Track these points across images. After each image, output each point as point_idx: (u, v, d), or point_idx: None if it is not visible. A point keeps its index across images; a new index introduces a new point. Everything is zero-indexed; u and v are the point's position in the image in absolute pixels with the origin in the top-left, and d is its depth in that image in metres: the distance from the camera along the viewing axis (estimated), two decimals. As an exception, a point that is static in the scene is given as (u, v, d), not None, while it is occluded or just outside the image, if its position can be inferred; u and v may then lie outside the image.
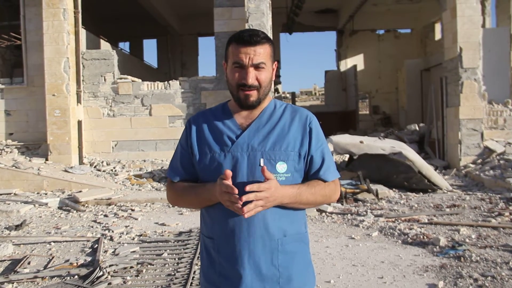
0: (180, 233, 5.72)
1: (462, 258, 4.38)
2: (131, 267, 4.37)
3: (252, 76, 1.57)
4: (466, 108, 10.51)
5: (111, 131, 11.01)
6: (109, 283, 3.92)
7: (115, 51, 11.84)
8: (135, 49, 20.57)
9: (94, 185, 8.80)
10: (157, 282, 3.98)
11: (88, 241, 5.48)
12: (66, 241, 5.48)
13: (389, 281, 3.94)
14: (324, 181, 1.63)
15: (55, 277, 4.15)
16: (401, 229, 5.56)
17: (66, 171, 9.77)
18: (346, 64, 21.92)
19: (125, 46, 20.95)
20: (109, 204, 7.85)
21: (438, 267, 4.21)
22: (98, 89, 11.06)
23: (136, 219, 6.69)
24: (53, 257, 4.83)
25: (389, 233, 5.47)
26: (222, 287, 1.60)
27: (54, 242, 5.44)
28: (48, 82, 10.52)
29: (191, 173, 1.68)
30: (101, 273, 4.06)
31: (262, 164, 1.55)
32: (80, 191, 8.40)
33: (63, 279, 4.09)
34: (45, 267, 4.50)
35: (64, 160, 10.42)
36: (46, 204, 7.67)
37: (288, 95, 28.90)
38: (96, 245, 5.20)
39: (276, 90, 19.96)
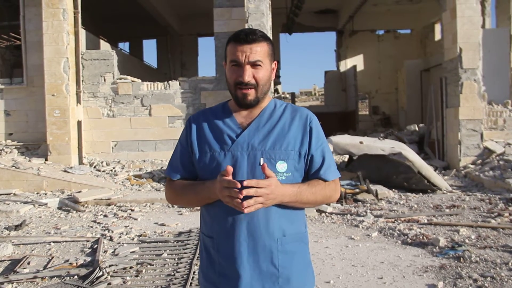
0: (180, 233, 5.72)
1: (461, 258, 4.38)
2: (131, 267, 4.37)
3: (248, 74, 1.57)
4: (466, 108, 10.51)
5: (111, 131, 11.01)
6: (109, 283, 3.92)
7: (114, 51, 11.84)
8: (135, 49, 20.57)
9: (94, 185, 8.79)
10: (156, 282, 3.98)
11: (87, 241, 5.47)
12: (66, 241, 5.47)
13: (389, 281, 3.94)
14: (325, 181, 1.63)
15: (55, 277, 4.14)
16: (400, 229, 5.56)
17: (65, 171, 9.77)
18: (346, 64, 21.93)
19: (125, 46, 20.97)
20: (109, 204, 7.85)
21: (438, 267, 4.22)
22: (98, 89, 11.06)
23: (135, 219, 6.69)
24: (52, 257, 4.83)
25: (388, 234, 5.47)
26: (221, 287, 1.59)
27: (53, 242, 5.43)
28: (48, 82, 10.52)
29: (191, 172, 1.68)
30: (100, 273, 4.06)
31: (262, 163, 1.55)
32: (80, 191, 8.40)
33: (63, 279, 4.09)
34: (44, 267, 4.50)
35: (63, 160, 10.42)
36: (46, 204, 7.67)
37: (287, 96, 28.89)
38: (96, 245, 5.20)
39: (276, 91, 19.96)
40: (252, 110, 1.66)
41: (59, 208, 7.68)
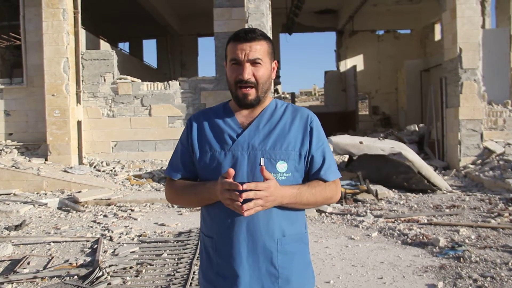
0: (180, 234, 5.72)
1: (461, 258, 4.38)
2: (131, 267, 4.37)
3: (248, 72, 1.57)
4: (466, 108, 10.51)
5: (111, 131, 11.01)
6: (109, 284, 3.92)
7: (114, 51, 11.85)
8: (134, 49, 20.57)
9: (94, 186, 8.79)
10: (156, 283, 3.98)
11: (87, 241, 5.47)
12: (66, 242, 5.47)
13: (389, 281, 3.94)
14: (325, 181, 1.62)
15: (55, 277, 4.14)
16: (400, 229, 5.56)
17: (65, 171, 9.77)
18: (346, 64, 21.93)
19: (124, 46, 20.97)
20: (109, 205, 7.84)
21: (438, 267, 4.22)
22: (98, 89, 11.06)
23: (135, 219, 6.69)
24: (52, 258, 4.83)
25: (388, 234, 5.47)
26: (220, 286, 1.59)
27: (53, 242, 5.43)
28: (48, 82, 10.52)
29: (191, 171, 1.68)
30: (100, 273, 4.06)
31: (262, 163, 1.55)
32: (80, 192, 8.40)
33: (63, 279, 4.09)
34: (44, 268, 4.49)
35: (63, 160, 10.41)
36: (46, 204, 7.67)
37: (287, 96, 28.90)
38: (96, 246, 5.20)
39: (276, 91, 19.96)
40: (253, 110, 1.66)
41: (59, 208, 7.68)
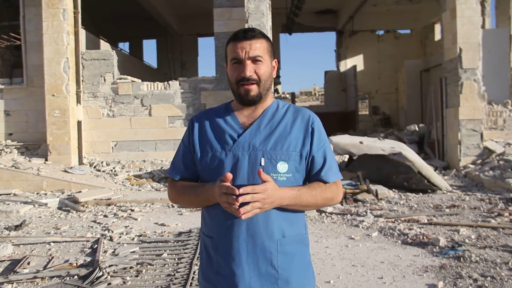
0: (180, 234, 5.72)
1: (461, 258, 4.38)
2: (131, 268, 4.37)
3: (249, 69, 1.58)
4: (466, 108, 10.51)
5: (111, 131, 11.01)
6: (109, 284, 3.92)
7: (114, 51, 11.85)
8: (134, 49, 20.57)
9: (94, 186, 8.79)
10: (156, 283, 3.98)
11: (87, 241, 5.47)
12: (66, 242, 5.47)
13: (389, 281, 3.94)
14: (325, 182, 1.62)
15: (55, 278, 4.14)
16: (400, 229, 5.56)
17: (65, 171, 9.77)
18: (346, 64, 21.93)
19: (124, 46, 20.97)
20: (109, 205, 7.84)
21: (438, 267, 4.22)
22: (98, 90, 11.06)
23: (135, 219, 6.69)
24: (52, 258, 4.83)
25: (388, 234, 5.47)
26: (220, 286, 1.59)
27: (53, 242, 5.43)
28: (48, 83, 10.52)
29: (193, 172, 1.69)
30: (100, 273, 4.06)
31: (263, 163, 1.55)
32: (80, 192, 8.40)
33: (63, 280, 4.09)
34: (44, 268, 4.49)
35: (63, 160, 10.42)
36: (46, 204, 7.66)
37: (287, 96, 28.90)
38: (96, 246, 5.20)
39: (276, 91, 19.96)
40: (255, 110, 1.66)
41: (59, 208, 7.68)
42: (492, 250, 4.66)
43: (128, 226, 6.23)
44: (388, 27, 21.92)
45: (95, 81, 11.06)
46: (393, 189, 8.27)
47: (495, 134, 10.76)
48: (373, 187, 7.85)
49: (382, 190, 7.89)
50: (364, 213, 6.61)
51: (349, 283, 3.93)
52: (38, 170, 9.39)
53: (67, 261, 4.69)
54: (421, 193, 8.15)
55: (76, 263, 4.57)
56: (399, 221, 6.10)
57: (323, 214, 6.64)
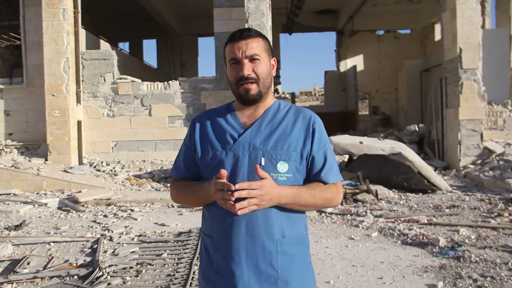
0: (180, 234, 5.72)
1: (461, 258, 4.38)
2: (131, 268, 4.37)
3: (248, 68, 1.58)
4: (466, 108, 10.51)
5: (111, 131, 11.01)
6: (109, 284, 3.92)
7: (114, 51, 11.84)
8: (134, 49, 20.57)
9: (94, 186, 8.79)
10: (156, 283, 3.98)
11: (87, 241, 5.47)
12: (66, 242, 5.47)
13: (389, 281, 3.94)
14: (325, 183, 1.62)
15: (55, 278, 4.14)
16: (400, 229, 5.56)
17: (65, 171, 9.77)
18: (346, 64, 21.93)
19: (124, 46, 20.97)
20: (109, 205, 7.84)
21: (438, 267, 4.22)
22: (98, 89, 11.06)
23: (135, 219, 6.69)
24: (52, 258, 4.83)
25: (388, 234, 5.47)
26: (219, 286, 1.59)
27: (53, 242, 5.43)
28: (48, 82, 10.52)
29: (194, 172, 1.69)
30: (100, 273, 4.06)
31: (263, 163, 1.55)
32: (80, 192, 8.40)
33: (63, 280, 4.09)
34: (44, 268, 4.49)
35: (63, 160, 10.42)
36: (46, 204, 7.66)
37: (287, 96, 28.91)
38: (96, 246, 5.20)
39: (276, 91, 19.97)
40: (256, 110, 1.66)
41: (59, 208, 7.68)
42: (492, 250, 4.66)
43: (128, 226, 6.23)
44: (388, 27, 21.92)
45: (95, 81, 11.06)
46: (393, 189, 8.27)
47: (495, 134, 10.76)
48: (373, 187, 7.86)
49: (382, 190, 7.89)
50: (364, 213, 6.61)
51: (349, 283, 3.93)
52: (38, 170, 9.39)
53: (67, 261, 4.69)
54: (421, 193, 8.15)
55: (76, 263, 4.57)
56: (399, 221, 6.10)
57: (323, 214, 6.64)
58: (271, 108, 1.68)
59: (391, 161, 8.55)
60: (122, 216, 6.90)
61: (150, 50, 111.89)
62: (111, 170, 10.16)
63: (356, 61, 21.49)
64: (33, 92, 11.00)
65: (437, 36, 19.11)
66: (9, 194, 8.72)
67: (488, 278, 3.86)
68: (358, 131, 17.17)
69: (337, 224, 6.12)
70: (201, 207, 1.73)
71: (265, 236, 1.55)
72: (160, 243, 5.29)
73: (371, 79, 21.77)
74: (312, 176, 1.63)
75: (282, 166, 1.57)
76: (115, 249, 5.04)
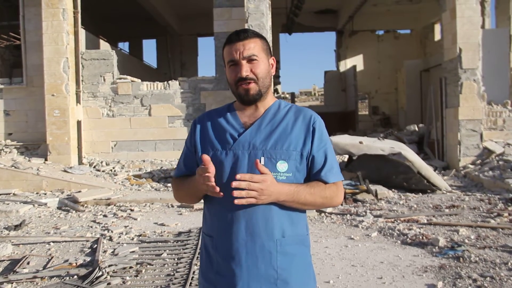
0: (180, 233, 5.72)
1: (461, 258, 4.38)
2: (131, 267, 4.37)
3: (246, 69, 1.58)
4: (466, 108, 10.52)
5: (111, 131, 11.01)
6: (109, 283, 3.92)
7: (114, 51, 11.84)
8: (134, 49, 20.57)
9: (94, 185, 8.79)
10: (156, 282, 3.98)
11: (87, 241, 5.47)
12: (65, 241, 5.47)
13: (388, 281, 3.94)
14: (326, 183, 1.61)
15: (54, 277, 4.14)
16: (400, 229, 5.57)
17: (65, 171, 9.77)
18: (346, 64, 21.93)
19: (124, 46, 20.96)
20: (108, 204, 7.84)
21: (437, 267, 4.22)
22: (98, 89, 11.06)
23: (135, 219, 6.69)
24: (52, 257, 4.83)
25: (388, 234, 5.48)
26: (219, 286, 1.59)
27: (53, 242, 5.43)
28: (48, 82, 10.52)
29: (192, 171, 1.69)
30: (100, 273, 4.06)
31: (262, 162, 1.55)
32: (80, 191, 8.40)
33: (62, 279, 4.09)
34: (44, 267, 4.50)
35: (63, 160, 10.41)
36: (45, 204, 7.66)
37: (287, 96, 28.92)
38: (96, 245, 5.20)
39: (276, 91, 19.97)
40: (256, 110, 1.67)
41: (59, 208, 7.68)
42: (492, 250, 4.67)
43: (127, 226, 6.23)
44: (388, 27, 21.92)
45: (94, 81, 11.06)
46: (393, 189, 8.28)
47: (495, 134, 10.76)
48: (372, 187, 7.86)
49: (381, 190, 7.90)
50: (364, 213, 6.61)
51: (349, 283, 3.93)
52: (37, 170, 9.39)
53: (66, 261, 4.69)
54: (420, 193, 8.15)
55: (76, 263, 4.57)
56: (398, 221, 6.10)
57: (323, 214, 6.65)
58: (271, 108, 1.68)
59: (391, 161, 8.55)
60: (122, 216, 6.90)
61: (150, 50, 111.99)
62: (111, 170, 10.16)
63: (356, 61, 21.49)
64: (33, 92, 11.00)
65: (437, 36, 19.12)
66: (9, 194, 8.72)
67: (488, 278, 3.86)
68: (358, 131, 17.17)
69: (337, 224, 6.12)
70: (202, 207, 1.73)
71: (265, 236, 1.55)
72: (160, 243, 5.28)
73: (371, 79, 21.77)
74: (312, 175, 1.63)
75: (282, 166, 1.57)
76: (114, 249, 5.04)
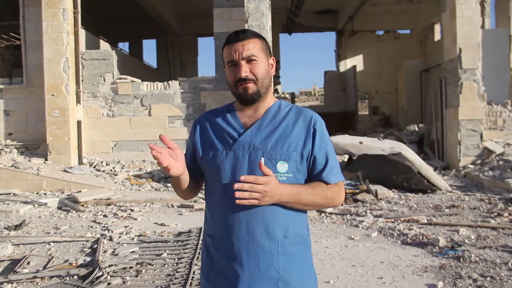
0: (180, 233, 5.72)
1: (461, 258, 4.38)
2: (131, 267, 4.37)
3: (245, 70, 1.58)
4: (466, 109, 10.52)
5: (111, 131, 11.01)
6: (109, 283, 3.92)
7: (114, 51, 11.85)
8: (134, 49, 20.57)
9: (94, 185, 8.79)
10: (156, 282, 3.98)
11: (87, 241, 5.47)
12: (66, 241, 5.47)
13: (389, 281, 3.94)
14: (327, 183, 1.61)
15: (55, 277, 4.14)
16: (400, 229, 5.57)
17: (65, 171, 9.77)
18: (346, 64, 21.93)
19: (124, 46, 20.96)
20: (109, 204, 7.84)
21: (438, 267, 4.22)
22: (98, 89, 11.06)
23: (135, 219, 6.69)
24: (52, 257, 4.83)
25: (388, 234, 5.48)
26: (220, 286, 1.59)
27: (53, 242, 5.43)
28: (48, 82, 10.52)
29: (191, 169, 1.69)
30: (100, 273, 4.06)
31: (262, 162, 1.55)
32: (80, 191, 8.40)
33: (63, 279, 4.09)
34: (44, 267, 4.49)
35: (63, 160, 10.41)
36: (46, 204, 7.66)
37: (287, 96, 28.91)
38: (96, 245, 5.20)
39: (276, 91, 19.97)
40: (257, 110, 1.66)
41: (59, 208, 7.68)
42: (492, 250, 4.67)
43: (127, 226, 6.23)
44: (388, 27, 21.92)
45: (94, 81, 11.06)
46: (393, 189, 8.28)
47: (495, 134, 10.77)
48: (372, 187, 7.86)
49: (381, 190, 7.90)
50: (364, 213, 6.61)
51: (349, 283, 3.93)
52: (37, 170, 9.39)
53: (66, 261, 4.69)
54: (420, 193, 8.15)
55: (76, 263, 4.57)
56: (398, 221, 6.10)
57: (323, 214, 6.65)
58: (272, 108, 1.67)
59: (391, 161, 8.55)
60: (122, 216, 6.90)
61: (150, 50, 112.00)
62: (111, 170, 10.16)
63: (356, 61, 21.49)
64: (33, 92, 11.00)
65: (437, 36, 19.12)
66: (9, 194, 8.72)
67: (488, 278, 3.86)
68: (358, 131, 17.17)
69: (337, 224, 6.13)
70: (202, 207, 1.73)
71: (266, 236, 1.55)
72: (160, 243, 5.29)
73: (371, 79, 21.77)
74: (313, 176, 1.62)
75: (282, 166, 1.57)
76: (115, 249, 5.04)
